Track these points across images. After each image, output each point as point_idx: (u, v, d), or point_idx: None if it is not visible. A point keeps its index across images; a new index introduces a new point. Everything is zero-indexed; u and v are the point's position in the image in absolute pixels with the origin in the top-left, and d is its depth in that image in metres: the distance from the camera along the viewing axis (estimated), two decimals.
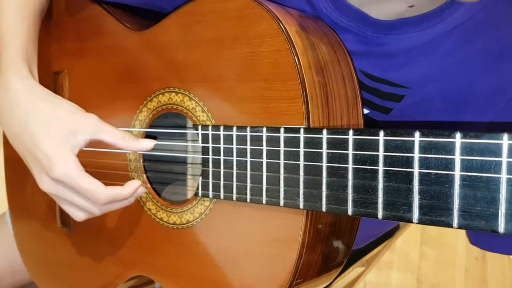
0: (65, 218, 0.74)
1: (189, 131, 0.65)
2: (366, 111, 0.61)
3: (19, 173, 0.83)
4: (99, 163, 0.67)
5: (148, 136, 0.64)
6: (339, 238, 0.55)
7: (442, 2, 0.51)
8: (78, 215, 0.58)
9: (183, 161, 0.68)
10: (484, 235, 0.60)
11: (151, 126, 0.64)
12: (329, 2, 0.56)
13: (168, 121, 0.65)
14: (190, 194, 0.67)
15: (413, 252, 1.50)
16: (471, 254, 1.41)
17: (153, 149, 0.62)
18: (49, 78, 0.74)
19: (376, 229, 0.87)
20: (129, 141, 0.57)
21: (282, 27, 0.50)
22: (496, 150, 0.36)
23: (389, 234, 0.94)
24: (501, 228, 0.37)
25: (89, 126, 0.55)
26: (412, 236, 1.51)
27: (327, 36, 0.56)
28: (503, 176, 0.36)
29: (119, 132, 0.57)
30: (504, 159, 0.36)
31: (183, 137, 0.67)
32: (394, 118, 0.59)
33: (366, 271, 1.18)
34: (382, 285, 1.44)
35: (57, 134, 0.55)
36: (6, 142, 0.86)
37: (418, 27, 0.53)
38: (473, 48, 0.52)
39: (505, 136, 0.36)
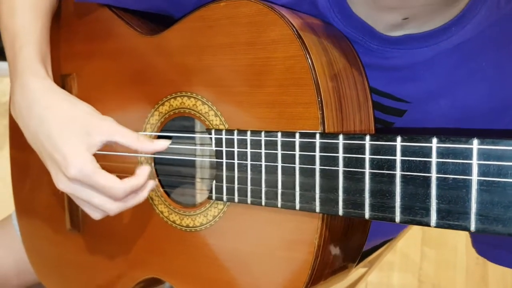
0: (75, 220, 0.74)
1: (202, 135, 0.66)
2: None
3: (26, 174, 0.83)
4: (110, 166, 0.67)
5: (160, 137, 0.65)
6: (352, 239, 0.56)
7: (438, 14, 0.51)
8: (95, 214, 0.58)
9: (191, 164, 0.69)
10: (490, 247, 0.61)
11: (162, 130, 0.64)
12: (337, 13, 0.56)
13: (176, 125, 0.66)
14: (199, 197, 0.68)
15: (414, 253, 1.51)
16: (471, 255, 1.42)
17: (164, 153, 0.62)
18: (57, 81, 0.75)
19: (384, 233, 0.87)
20: (144, 142, 0.57)
21: (296, 33, 0.51)
22: None
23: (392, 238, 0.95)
24: None
25: (106, 128, 0.56)
26: (413, 237, 1.53)
27: (339, 41, 0.57)
28: None
29: (134, 133, 0.57)
30: None
31: (191, 140, 0.68)
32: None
33: (369, 271, 1.19)
34: (383, 286, 1.45)
35: (74, 134, 0.55)
36: (13, 144, 0.86)
37: (423, 43, 0.53)
38: (477, 66, 0.53)
39: None
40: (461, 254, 1.49)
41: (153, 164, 0.65)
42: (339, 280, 0.59)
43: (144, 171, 0.57)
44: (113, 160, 0.65)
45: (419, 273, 1.47)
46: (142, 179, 0.57)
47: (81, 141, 0.55)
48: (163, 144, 0.58)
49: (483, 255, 0.62)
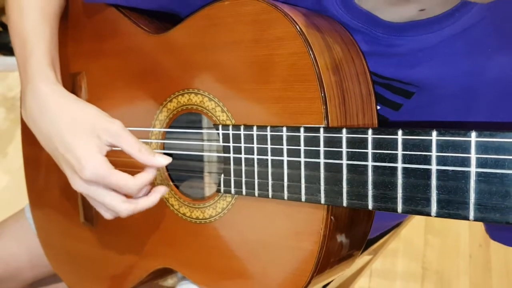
0: (88, 213, 0.76)
1: (209, 131, 0.68)
2: (377, 107, 0.63)
3: (39, 169, 0.85)
4: (121, 161, 0.69)
5: (168, 137, 0.67)
6: (356, 228, 0.58)
7: (453, 4, 0.53)
8: (107, 214, 0.61)
9: (199, 159, 0.70)
10: (503, 232, 0.62)
11: (171, 126, 0.66)
12: (340, 5, 0.58)
13: (183, 120, 0.67)
14: (207, 190, 0.70)
15: (418, 240, 1.53)
16: (474, 241, 1.44)
17: (175, 148, 0.64)
18: (66, 79, 0.76)
19: (388, 221, 0.89)
20: (145, 154, 0.59)
21: (299, 30, 0.53)
22: (509, 148, 0.39)
23: (398, 224, 0.97)
24: None
25: (111, 131, 0.58)
26: (416, 224, 1.54)
27: (340, 35, 0.58)
28: None
29: (137, 144, 0.59)
30: None
31: (199, 135, 0.69)
32: (403, 117, 0.61)
33: (373, 259, 1.21)
34: (387, 273, 1.47)
35: (85, 136, 0.57)
36: (25, 142, 0.89)
37: (428, 29, 0.54)
38: (482, 52, 0.54)
39: None
40: (464, 241, 1.51)
41: None
42: (345, 268, 0.61)
43: (155, 160, 0.59)
44: (122, 155, 0.67)
45: (422, 260, 1.49)
46: (153, 173, 0.60)
47: (92, 143, 0.57)
48: (162, 161, 0.59)
49: (496, 239, 0.64)
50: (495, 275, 1.45)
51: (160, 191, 0.61)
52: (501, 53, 0.54)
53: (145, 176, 0.59)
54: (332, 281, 0.91)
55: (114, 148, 0.60)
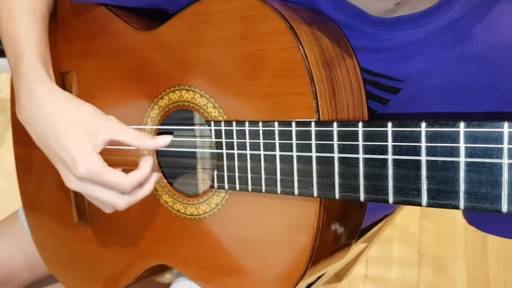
0: (82, 213, 0.77)
1: (201, 127, 0.68)
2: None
3: (31, 170, 0.85)
4: (116, 160, 0.69)
5: (161, 133, 0.67)
6: (349, 220, 0.59)
7: None
8: (107, 209, 0.62)
9: (192, 155, 0.71)
10: (479, 217, 0.63)
11: (162, 123, 0.66)
12: (328, 0, 0.58)
13: (175, 117, 0.68)
14: (201, 186, 0.70)
15: (413, 226, 1.54)
16: (470, 227, 1.45)
17: (167, 145, 0.64)
18: (57, 78, 0.76)
19: (380, 212, 0.90)
20: (146, 139, 0.60)
21: (288, 25, 0.53)
22: (497, 138, 0.39)
23: (389, 213, 0.98)
24: (504, 208, 0.40)
25: (110, 128, 0.59)
26: (412, 211, 1.55)
27: (330, 29, 0.58)
28: (505, 161, 0.39)
29: (136, 132, 0.59)
30: (505, 146, 0.39)
31: (191, 132, 0.70)
32: (392, 109, 0.62)
33: (368, 246, 1.22)
34: (384, 260, 1.49)
35: (80, 135, 0.58)
36: (17, 143, 0.88)
37: (415, 24, 0.55)
38: (468, 44, 0.55)
39: (506, 124, 0.39)
40: (460, 226, 1.53)
41: (155, 156, 0.68)
42: (339, 258, 0.62)
43: (147, 163, 0.60)
44: (118, 154, 0.67)
45: (419, 246, 1.50)
46: (146, 171, 0.60)
47: (87, 141, 0.58)
48: (165, 140, 0.61)
49: (474, 224, 0.65)
50: (491, 259, 1.47)
51: (152, 179, 0.61)
52: (486, 46, 0.55)
53: (139, 174, 0.59)
54: (324, 273, 0.92)
55: (108, 147, 0.60)
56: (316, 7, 0.59)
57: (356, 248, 1.16)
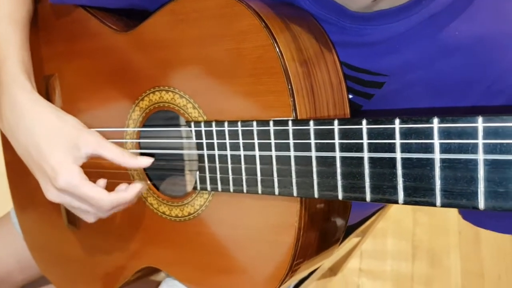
0: (71, 217, 0.76)
1: (182, 128, 0.67)
2: (349, 96, 0.63)
3: (22, 174, 0.84)
4: (100, 163, 0.69)
5: (142, 136, 0.66)
6: (333, 219, 0.58)
7: None
8: (88, 218, 0.61)
9: (179, 157, 0.70)
10: (474, 212, 0.62)
11: (144, 125, 0.66)
12: None
13: (161, 117, 0.67)
14: (189, 188, 0.70)
15: (407, 219, 1.54)
16: None
17: (150, 147, 0.64)
18: (40, 82, 0.76)
19: (368, 209, 0.90)
20: (127, 157, 0.59)
21: (263, 22, 0.52)
22: (472, 133, 0.39)
23: (379, 209, 0.98)
24: (481, 205, 0.39)
25: (92, 142, 0.58)
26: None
27: (308, 25, 0.58)
28: (480, 157, 0.39)
29: (118, 149, 0.59)
30: (480, 141, 0.38)
31: (176, 132, 0.69)
32: (377, 103, 0.62)
33: (362, 240, 1.22)
34: (378, 253, 1.49)
35: (61, 146, 0.57)
36: (6, 147, 0.88)
37: (395, 17, 0.54)
38: (450, 36, 0.54)
39: (480, 119, 0.38)
40: (453, 218, 1.52)
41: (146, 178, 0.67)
42: (326, 257, 0.62)
43: (135, 187, 0.60)
44: (105, 167, 0.67)
45: (412, 238, 1.50)
46: (131, 195, 0.60)
47: (68, 153, 0.57)
48: (147, 161, 0.60)
49: (468, 219, 0.64)
50: (485, 250, 1.47)
51: (136, 188, 0.61)
52: (468, 39, 0.54)
53: (122, 195, 0.59)
54: (317, 268, 0.92)
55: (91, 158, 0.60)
56: (295, 3, 0.59)
57: (350, 242, 1.16)
